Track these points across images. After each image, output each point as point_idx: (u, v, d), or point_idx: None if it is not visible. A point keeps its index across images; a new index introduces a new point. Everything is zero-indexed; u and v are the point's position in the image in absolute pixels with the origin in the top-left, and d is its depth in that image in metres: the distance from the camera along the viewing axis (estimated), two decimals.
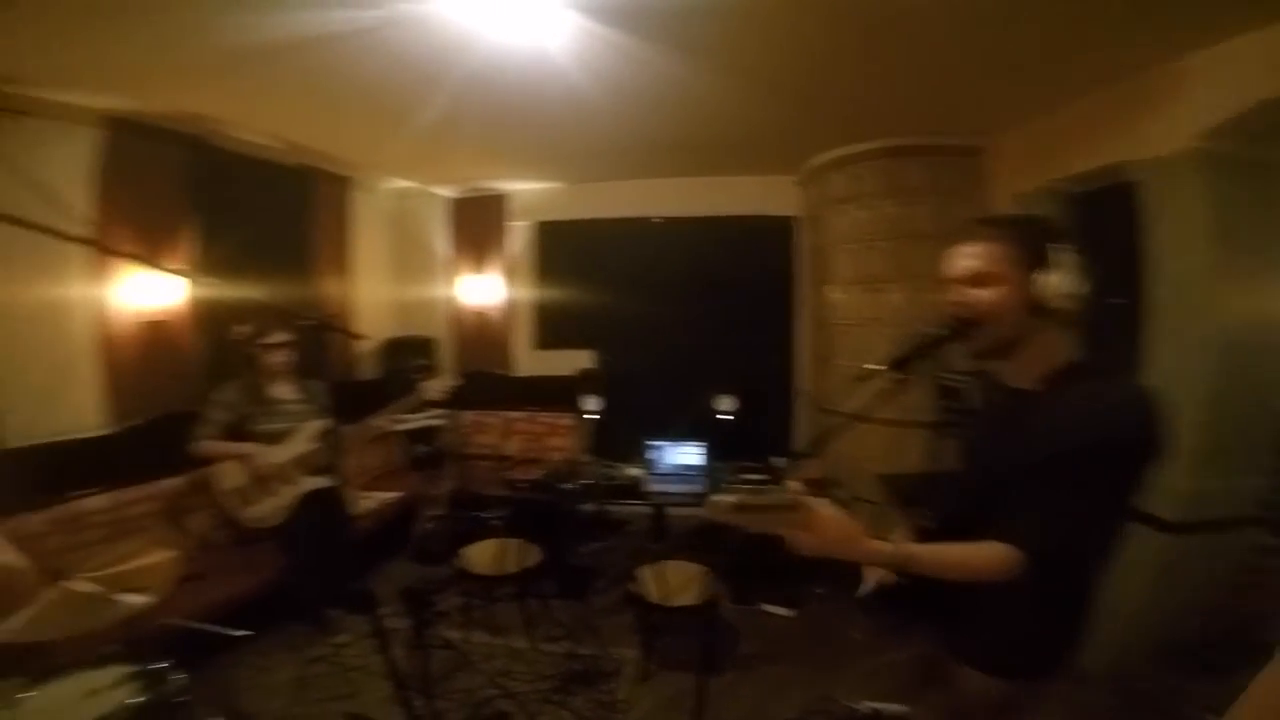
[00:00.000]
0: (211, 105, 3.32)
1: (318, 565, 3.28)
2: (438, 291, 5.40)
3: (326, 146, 4.19)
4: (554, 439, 5.02)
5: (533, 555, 3.25)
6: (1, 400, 2.83)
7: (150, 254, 3.38)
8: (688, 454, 4.16)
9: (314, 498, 3.18)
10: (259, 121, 3.63)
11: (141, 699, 1.92)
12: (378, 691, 2.87)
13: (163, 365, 3.49)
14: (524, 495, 4.01)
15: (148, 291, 3.41)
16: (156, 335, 3.47)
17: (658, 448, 4.21)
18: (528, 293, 5.33)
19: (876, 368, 1.48)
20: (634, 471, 4.22)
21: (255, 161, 3.98)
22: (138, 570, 2.12)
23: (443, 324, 5.40)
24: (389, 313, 5.31)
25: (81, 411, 3.20)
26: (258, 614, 3.02)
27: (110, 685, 1.95)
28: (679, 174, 4.83)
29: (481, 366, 5.26)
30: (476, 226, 5.30)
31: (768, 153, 4.25)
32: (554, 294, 5.28)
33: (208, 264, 3.66)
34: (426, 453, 4.84)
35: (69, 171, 3.09)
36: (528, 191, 5.23)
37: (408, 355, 4.86)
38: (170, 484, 3.35)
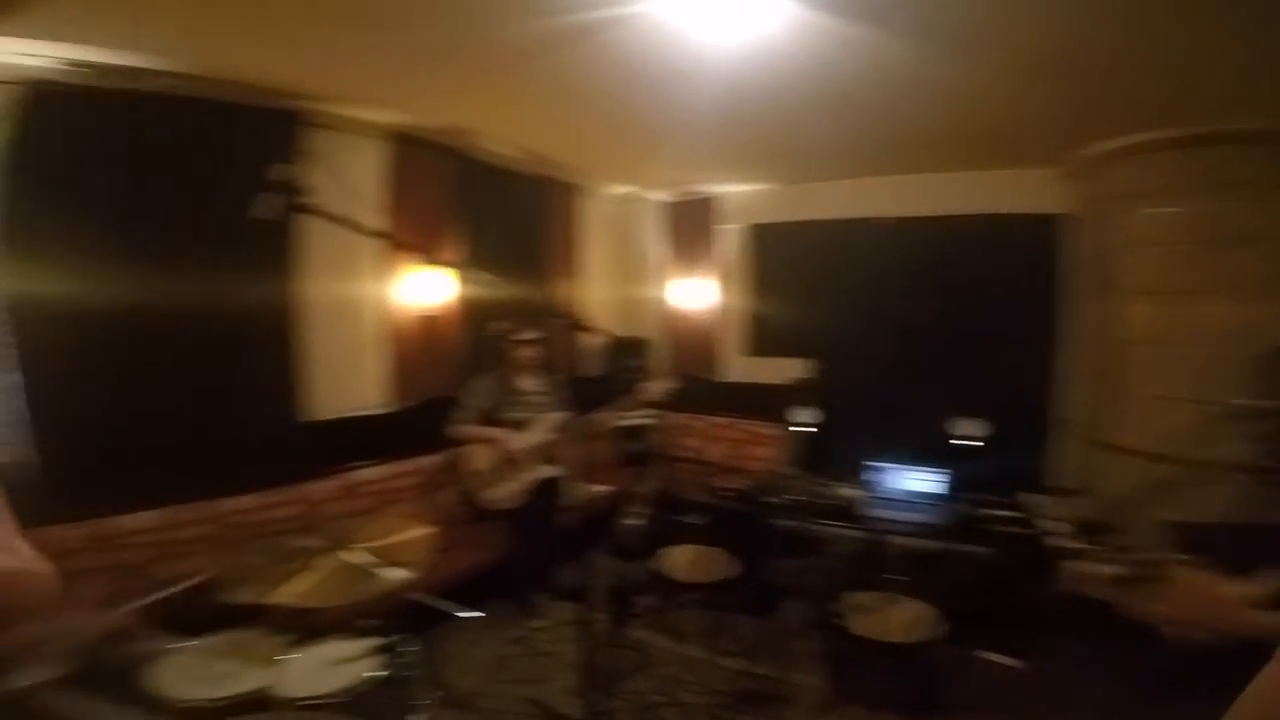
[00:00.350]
0: (468, 118, 3.67)
1: (537, 550, 3.52)
2: (651, 294, 5.54)
3: (559, 154, 4.46)
4: (756, 448, 4.89)
5: (730, 566, 3.17)
6: (309, 378, 3.39)
7: (428, 255, 3.88)
8: (917, 480, 3.78)
9: (544, 486, 3.42)
10: (504, 131, 3.95)
11: (379, 673, 2.00)
12: (563, 680, 2.96)
13: (434, 354, 3.98)
14: (726, 504, 3.93)
15: (424, 289, 3.90)
16: (430, 327, 3.96)
17: (879, 469, 3.88)
18: (740, 297, 5.25)
19: (1244, 403, 1.15)
20: (849, 492, 3.93)
21: (502, 171, 4.37)
22: (402, 544, 2.24)
23: (655, 326, 5.52)
24: (609, 314, 5.56)
25: (377, 391, 3.73)
26: (475, 590, 3.22)
27: (356, 656, 2.06)
28: (910, 170, 4.43)
29: (690, 370, 5.30)
30: (689, 230, 5.36)
31: (1022, 143, 3.70)
32: (768, 299, 5.15)
33: (470, 266, 4.10)
34: (636, 450, 4.97)
35: (366, 179, 3.60)
36: (741, 193, 5.16)
37: (625, 355, 5.05)
38: (430, 461, 3.78)
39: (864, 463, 3.92)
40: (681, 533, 3.56)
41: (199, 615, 2.41)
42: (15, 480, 2.47)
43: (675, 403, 4.38)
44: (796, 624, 3.51)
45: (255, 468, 3.09)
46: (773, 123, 3.45)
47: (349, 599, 1.97)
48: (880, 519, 3.62)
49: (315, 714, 1.59)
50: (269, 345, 3.22)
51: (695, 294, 5.29)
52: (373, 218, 3.58)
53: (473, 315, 4.14)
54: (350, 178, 3.49)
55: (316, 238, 3.30)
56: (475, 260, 4.12)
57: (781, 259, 5.08)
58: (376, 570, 2.06)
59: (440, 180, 3.98)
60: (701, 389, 5.16)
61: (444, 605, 2.56)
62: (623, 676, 2.94)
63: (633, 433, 4.90)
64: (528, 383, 3.49)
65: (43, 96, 2.53)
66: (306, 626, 2.18)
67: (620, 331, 5.40)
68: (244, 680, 1.92)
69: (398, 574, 2.05)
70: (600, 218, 5.46)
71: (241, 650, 2.08)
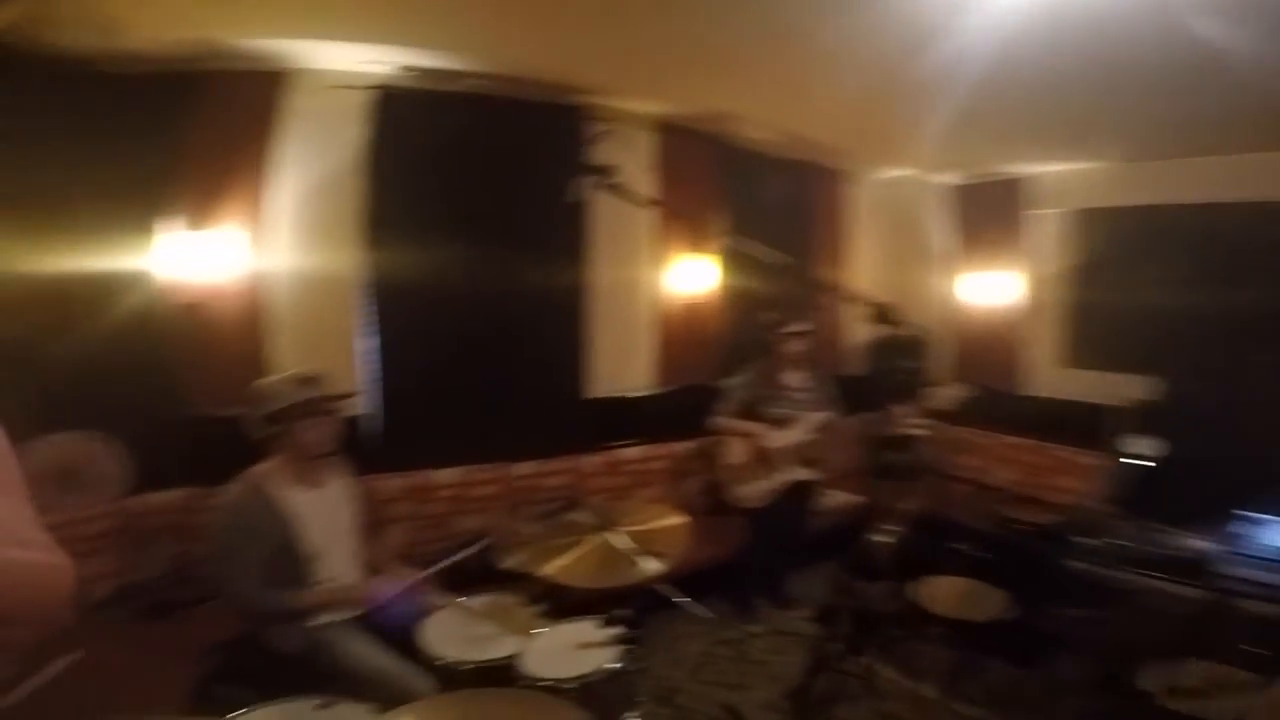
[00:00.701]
0: (728, 103, 3.52)
1: (774, 554, 3.33)
2: (932, 289, 4.88)
3: (823, 138, 4.11)
4: (1060, 478, 4.02)
5: (1000, 606, 2.70)
6: (588, 358, 3.57)
7: (694, 242, 3.85)
8: None
9: (795, 488, 3.19)
10: (767, 116, 3.74)
11: (614, 664, 1.94)
12: (765, 692, 2.75)
13: (696, 341, 3.98)
14: (1012, 536, 3.27)
15: (689, 276, 3.91)
16: (694, 314, 3.96)
17: (1254, 521, 2.88)
18: (1057, 296, 4.35)
19: None
20: (1198, 543, 3.00)
21: (764, 157, 4.19)
22: (659, 532, 2.20)
23: (935, 324, 4.86)
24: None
25: (642, 375, 3.85)
26: (698, 584, 3.13)
27: (598, 642, 2.02)
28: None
29: (981, 378, 4.55)
30: (986, 216, 4.58)
31: None
32: (1096, 299, 4.18)
33: (732, 254, 3.99)
34: (899, 463, 4.45)
35: (635, 169, 3.64)
36: (1061, 174, 4.25)
37: (900, 355, 4.53)
38: (681, 447, 3.77)
39: (1229, 509, 2.95)
40: (947, 560, 3.10)
41: (473, 572, 2.67)
42: (365, 431, 2.99)
43: (960, 415, 3.84)
44: (1072, 681, 2.81)
45: (541, 437, 3.39)
46: (1093, 92, 2.78)
47: (608, 583, 1.97)
48: (1238, 578, 2.70)
49: (551, 698, 1.56)
50: (562, 324, 3.52)
51: (992, 290, 4.52)
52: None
53: (736, 304, 4.06)
54: (627, 170, 3.59)
55: (603, 226, 3.46)
56: (736, 249, 4.00)
57: (1117, 251, 4.07)
58: (637, 557, 2.03)
59: (704, 168, 3.94)
60: (997, 402, 4.41)
61: (680, 598, 2.45)
62: (835, 702, 2.62)
63: (899, 442, 4.38)
64: (792, 378, 3.29)
65: (386, 99, 3.00)
66: (564, 603, 2.25)
67: (894, 329, 4.86)
68: (497, 647, 2.01)
69: (653, 564, 2.02)
70: (871, 204, 4.97)
71: (502, 615, 2.19)
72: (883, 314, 1.97)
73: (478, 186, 3.23)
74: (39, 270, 2.37)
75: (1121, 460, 3.48)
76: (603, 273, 3.62)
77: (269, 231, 2.88)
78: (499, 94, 3.16)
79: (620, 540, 2.10)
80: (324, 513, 2.10)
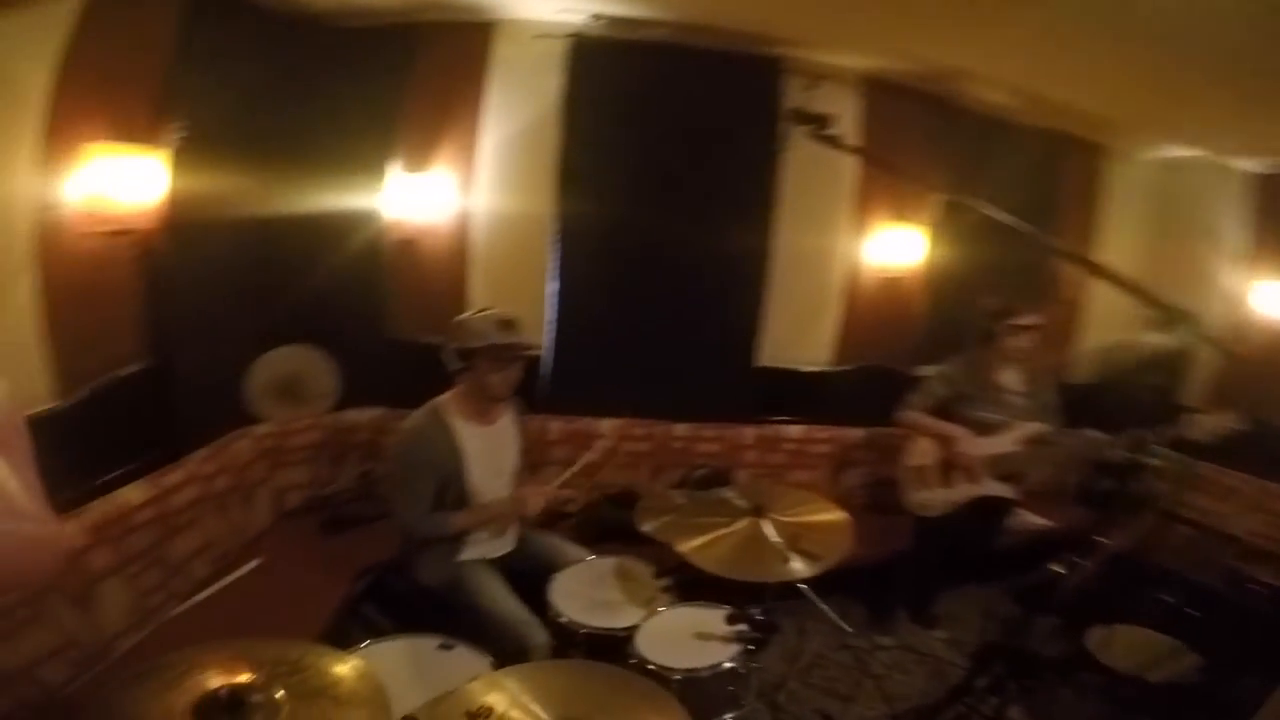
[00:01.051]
0: (960, 58, 2.99)
1: (936, 568, 3.00)
2: (1215, 295, 3.88)
3: (1079, 104, 3.34)
4: None
5: (1188, 669, 2.36)
6: (765, 325, 3.40)
7: (902, 209, 3.45)
8: None
9: (984, 504, 2.81)
10: (1007, 76, 3.15)
11: (729, 665, 1.86)
12: (870, 708, 2.58)
13: (891, 319, 3.63)
14: (1243, 597, 2.70)
15: (892, 248, 3.51)
16: (891, 291, 3.59)
17: None
18: None
19: None
20: None
21: (998, 122, 3.54)
22: (816, 527, 2.05)
23: (1213, 339, 3.87)
24: (1127, 309, 4.16)
25: (820, 349, 3.60)
26: (836, 580, 2.83)
27: (717, 635, 1.93)
28: None
29: (1258, 407, 3.59)
30: None
31: None
32: None
33: (952, 227, 3.49)
34: (1116, 491, 3.73)
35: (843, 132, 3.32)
36: None
37: (1149, 369, 3.74)
38: (850, 433, 3.50)
39: None
40: (1140, 608, 2.70)
41: (609, 527, 2.74)
42: (537, 373, 3.17)
43: (1220, 450, 3.06)
44: None
45: (702, 400, 3.32)
46: None
47: (748, 575, 1.88)
48: None
49: (654, 686, 1.53)
50: (742, 286, 3.36)
51: None
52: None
53: (947, 283, 3.56)
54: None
55: (797, 186, 3.23)
56: (960, 222, 3.46)
57: None
58: (787, 553, 1.91)
59: (920, 132, 3.43)
60: (1268, 438, 3.48)
61: (824, 607, 2.29)
62: None
63: (1125, 470, 3.66)
64: (1009, 377, 2.84)
65: (582, 48, 2.99)
66: (696, 582, 2.15)
67: (1149, 337, 3.98)
68: (617, 616, 2.03)
69: (802, 565, 1.88)
70: (1136, 187, 4.03)
71: (629, 582, 2.20)
72: (1169, 317, 1.52)
73: (669, 139, 3.14)
74: (289, 207, 2.76)
75: None
76: (792, 235, 3.36)
77: (476, 175, 3.09)
78: (694, 44, 3.01)
79: (771, 530, 1.99)
80: (491, 450, 2.23)
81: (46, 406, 1.96)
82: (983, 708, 2.27)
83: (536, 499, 2.21)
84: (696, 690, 1.78)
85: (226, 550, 2.36)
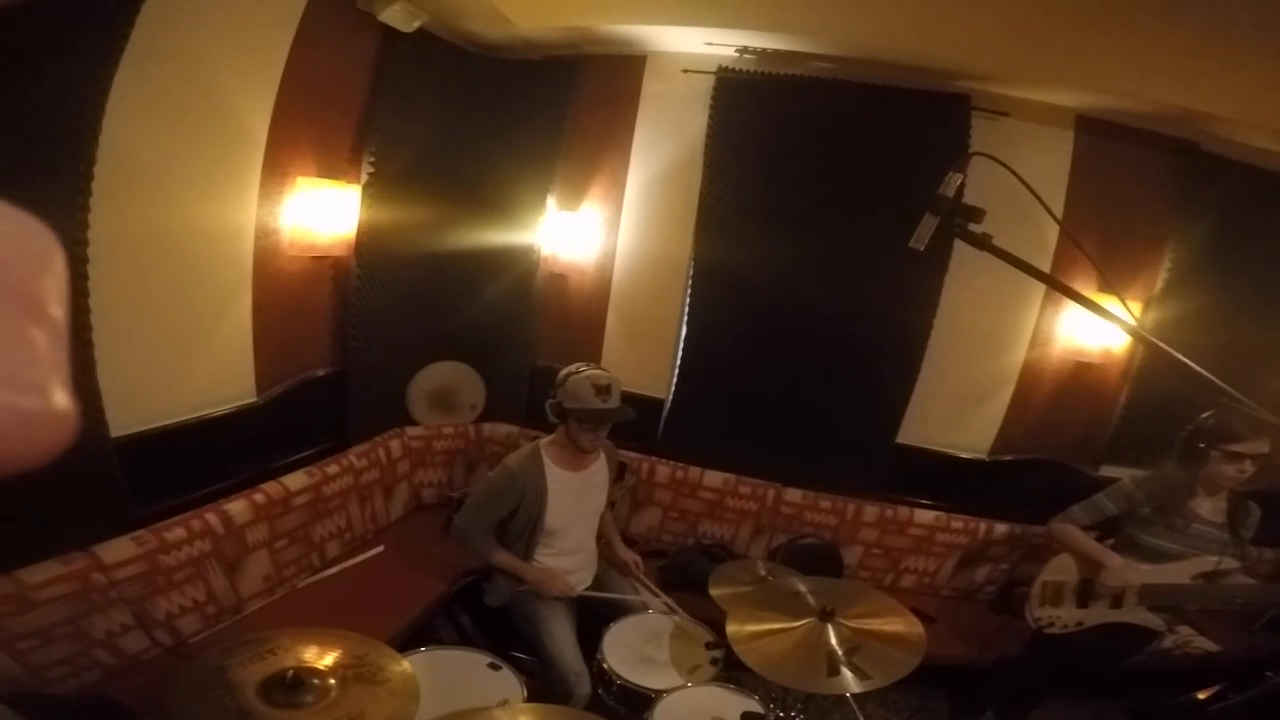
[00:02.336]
0: (1207, 102, 2.45)
1: (1042, 685, 2.58)
2: None
3: None
4: None
5: None
6: (914, 406, 3.13)
7: (1113, 284, 2.92)
8: None
9: (1116, 631, 2.36)
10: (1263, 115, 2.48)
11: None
12: None
13: (1073, 411, 3.15)
14: None
15: (1090, 328, 3.00)
16: (1081, 377, 3.11)
17: None
18: None
19: None
20: None
21: (1259, 172, 2.80)
22: (880, 641, 1.92)
23: None
24: None
25: (978, 435, 3.23)
26: (931, 673, 2.48)
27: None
28: None
29: None
30: None
31: None
32: None
33: (1176, 308, 2.90)
34: None
35: (1044, 182, 2.91)
36: None
37: None
38: (991, 527, 3.08)
39: None
40: None
41: (690, 577, 2.72)
42: (654, 417, 3.26)
43: None
44: None
45: (824, 468, 3.14)
46: None
47: (788, 680, 1.81)
48: None
49: None
50: (892, 363, 3.10)
51: None
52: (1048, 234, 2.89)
53: (1153, 377, 2.95)
54: (1025, 173, 2.89)
55: (972, 255, 2.88)
56: (1194, 311, 2.87)
57: None
58: (839, 665, 1.80)
59: (1151, 184, 2.87)
60: None
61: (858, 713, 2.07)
62: None
63: None
64: (1206, 506, 2.34)
65: (725, 82, 2.98)
66: (744, 665, 2.11)
67: None
68: (655, 676, 2.05)
69: (852, 681, 1.76)
70: None
71: (681, 644, 2.21)
72: None
73: (819, 185, 2.98)
74: (459, 241, 3.17)
75: None
76: (961, 309, 3.02)
77: (624, 216, 3.25)
78: (851, 79, 2.87)
79: (832, 637, 1.88)
80: (576, 495, 2.37)
81: (248, 401, 2.50)
82: None
83: (559, 588, 2.28)
84: None
85: (360, 534, 2.76)
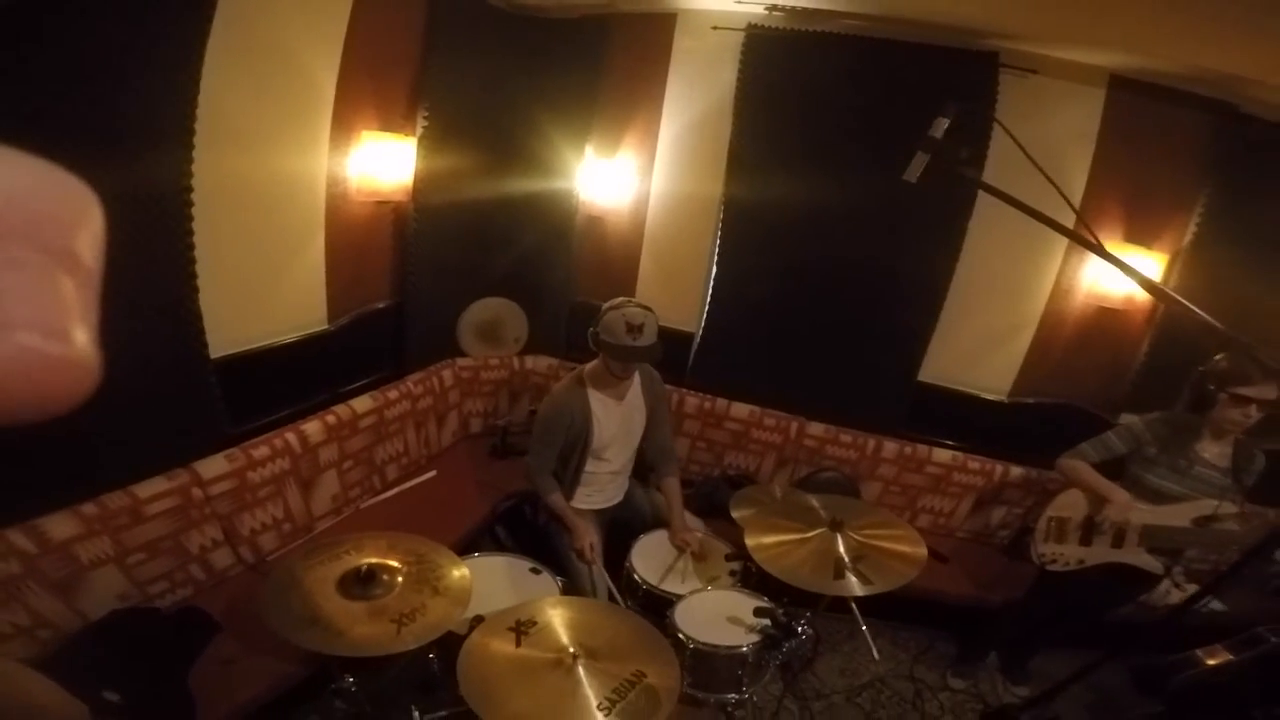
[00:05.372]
0: (1243, 66, 2.43)
1: (1048, 626, 2.76)
2: None
3: None
4: None
5: None
6: (936, 344, 3.29)
7: (1136, 237, 3.01)
8: None
9: (1115, 571, 2.51)
10: None
11: (742, 649, 1.99)
12: None
13: (1095, 357, 3.24)
14: None
15: (1113, 276, 3.05)
16: (1103, 323, 3.19)
17: None
18: None
19: None
20: None
21: None
22: (882, 554, 2.12)
23: None
24: None
25: (998, 376, 3.37)
26: (934, 611, 2.91)
27: (748, 622, 2.06)
28: None
29: None
30: None
31: None
32: None
33: (1200, 264, 2.92)
34: None
35: (1072, 137, 2.94)
36: None
37: None
38: (1008, 470, 3.23)
39: None
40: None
41: (716, 504, 2.97)
42: (685, 350, 3.48)
43: None
44: None
45: (848, 405, 3.33)
46: None
47: (798, 581, 2.01)
48: None
49: (668, 645, 1.75)
50: (915, 302, 3.25)
51: None
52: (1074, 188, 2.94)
53: (1174, 325, 3.02)
54: (1053, 130, 2.92)
55: (996, 200, 2.96)
56: (1218, 263, 2.89)
57: None
58: (844, 570, 2.04)
59: (1180, 143, 2.88)
60: None
61: (864, 625, 2.27)
62: None
63: None
64: (1212, 450, 2.44)
65: (753, 40, 3.07)
66: (763, 577, 2.30)
67: None
68: (677, 583, 2.30)
69: (856, 584, 1.99)
70: None
71: (702, 556, 2.45)
72: None
73: (846, 136, 3.07)
74: (505, 187, 3.36)
75: None
76: (983, 252, 3.12)
77: (657, 162, 3.41)
78: (878, 36, 2.92)
79: (841, 545, 2.11)
80: (618, 418, 2.57)
81: (321, 328, 2.80)
82: None
83: (581, 541, 2.41)
84: (705, 662, 1.99)
85: (415, 459, 3.06)
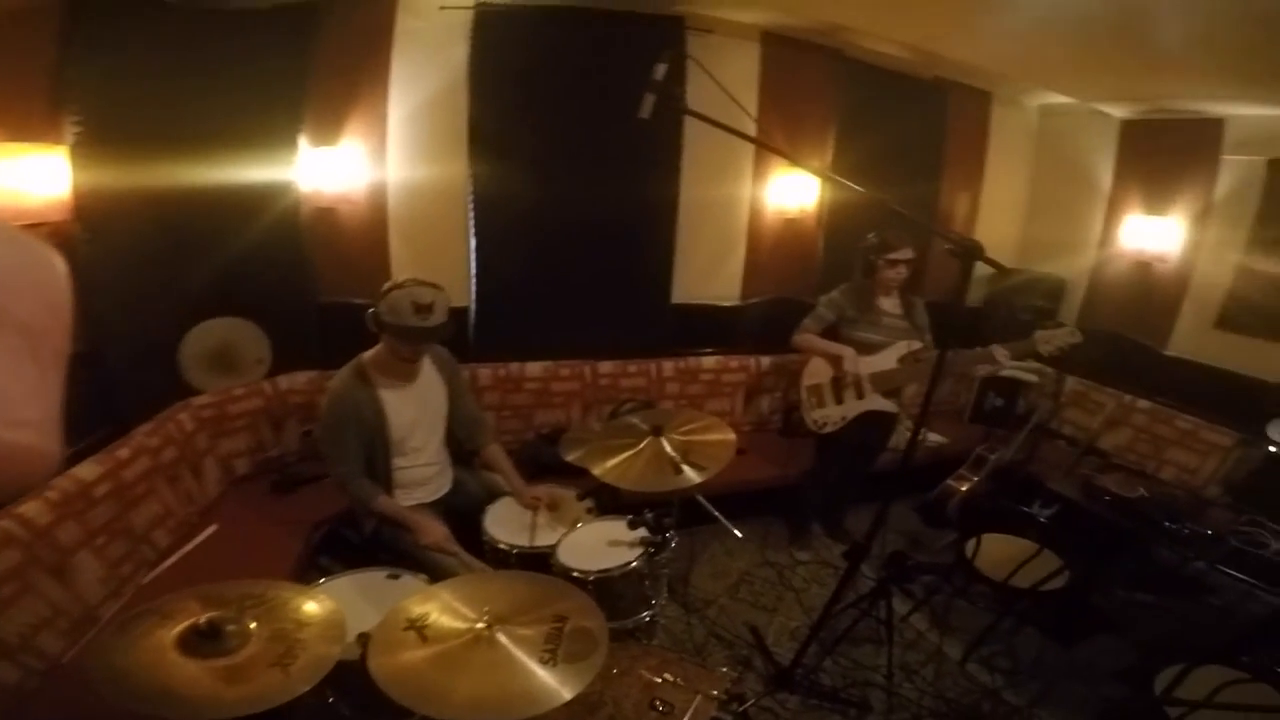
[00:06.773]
0: (850, 17, 3.31)
1: (838, 484, 3.37)
2: (1092, 229, 4.29)
3: (966, 57, 3.67)
4: (1180, 452, 3.50)
5: (1054, 578, 2.53)
6: (679, 269, 3.75)
7: (796, 156, 3.71)
8: None
9: (872, 418, 3.16)
10: (893, 33, 3.46)
11: (635, 564, 2.14)
12: (793, 620, 2.89)
13: (789, 256, 4.02)
14: (1095, 506, 3.04)
15: (789, 192, 3.87)
16: (789, 230, 3.96)
17: None
18: (1227, 251, 3.64)
19: None
20: None
21: (890, 73, 3.91)
22: (704, 444, 2.38)
23: (1085, 268, 4.34)
24: (1014, 244, 4.70)
25: (728, 285, 3.99)
26: (759, 501, 3.32)
27: (627, 541, 2.19)
28: None
29: (1122, 330, 4.08)
30: (1158, 157, 3.89)
31: None
32: (1274, 261, 3.47)
33: (841, 169, 3.78)
34: (997, 408, 4.20)
35: (741, 81, 3.51)
36: (1263, 119, 3.43)
37: (1024, 293, 4.19)
38: (759, 361, 3.85)
39: None
40: (1013, 520, 3.05)
41: (543, 462, 3.03)
42: (463, 324, 3.37)
43: (1085, 364, 3.69)
44: (1098, 666, 2.71)
45: (623, 339, 3.64)
46: None
47: (649, 487, 2.20)
48: None
49: (571, 587, 1.79)
50: (652, 232, 3.67)
51: (1156, 238, 3.88)
52: (746, 121, 3.53)
53: (836, 221, 3.97)
54: (727, 80, 3.50)
55: (699, 139, 3.47)
56: (848, 165, 3.81)
57: None
58: (680, 466, 2.26)
59: (815, 82, 3.77)
60: (1130, 358, 3.97)
61: (717, 514, 2.58)
62: (853, 643, 2.65)
63: (1001, 386, 4.12)
64: (887, 303, 3.15)
65: (484, 17, 3.12)
66: (615, 501, 2.49)
67: (1026, 264, 4.46)
68: (544, 536, 2.32)
69: (692, 476, 2.21)
70: (1021, 131, 4.50)
71: (557, 506, 2.50)
72: (967, 252, 1.95)
73: (577, 100, 3.32)
74: (206, 182, 2.81)
75: (1257, 444, 3.11)
76: (699, 183, 3.66)
77: (390, 144, 3.20)
78: (594, 7, 3.21)
79: (667, 446, 2.32)
80: (413, 404, 2.40)
81: None
82: (877, 609, 2.56)
83: (433, 534, 2.31)
84: (610, 589, 2.09)
85: (184, 519, 2.52)
